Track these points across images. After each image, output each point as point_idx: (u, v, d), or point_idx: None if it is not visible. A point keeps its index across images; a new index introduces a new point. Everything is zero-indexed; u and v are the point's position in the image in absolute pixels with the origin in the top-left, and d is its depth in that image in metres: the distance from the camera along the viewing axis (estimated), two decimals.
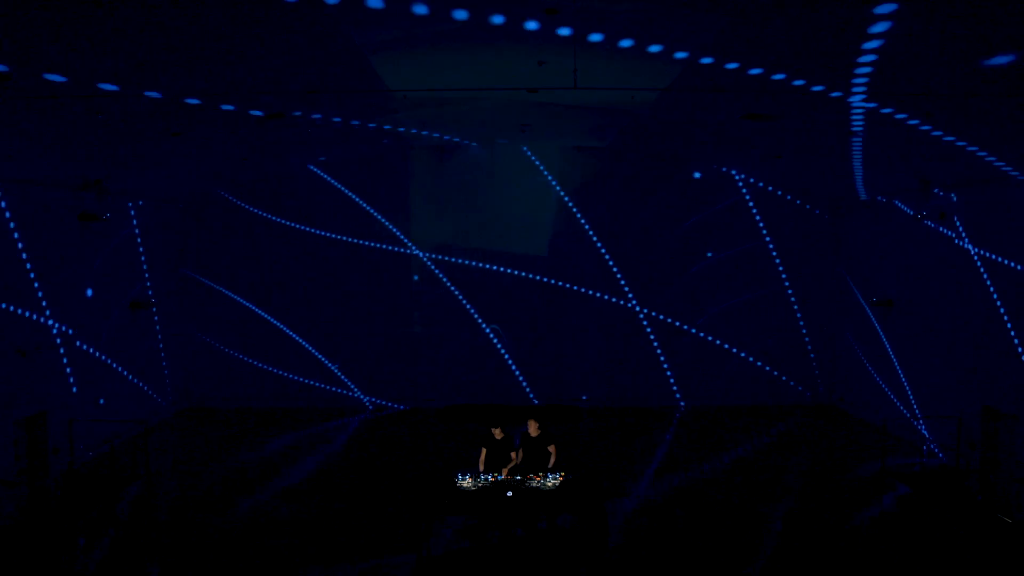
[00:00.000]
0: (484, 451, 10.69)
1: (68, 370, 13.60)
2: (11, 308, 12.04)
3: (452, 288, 18.56)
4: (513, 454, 10.66)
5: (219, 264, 18.62)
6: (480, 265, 18.59)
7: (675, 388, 18.85)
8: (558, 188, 18.49)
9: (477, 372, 18.66)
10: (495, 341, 18.55)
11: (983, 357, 12.62)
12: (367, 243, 18.55)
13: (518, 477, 10.18)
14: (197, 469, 14.02)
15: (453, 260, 18.63)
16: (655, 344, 18.73)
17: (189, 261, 18.52)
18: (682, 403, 18.84)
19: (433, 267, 18.57)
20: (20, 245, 12.30)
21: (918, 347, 14.83)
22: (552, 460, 10.54)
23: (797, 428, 16.88)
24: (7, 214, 11.98)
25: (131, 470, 13.47)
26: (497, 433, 10.72)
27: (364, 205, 18.51)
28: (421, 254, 18.49)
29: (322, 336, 18.76)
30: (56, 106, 9.29)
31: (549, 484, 9.97)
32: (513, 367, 18.79)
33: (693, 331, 18.71)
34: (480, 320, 18.56)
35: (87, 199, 13.94)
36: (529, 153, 18.43)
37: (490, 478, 10.11)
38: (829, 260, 18.56)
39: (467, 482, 10.00)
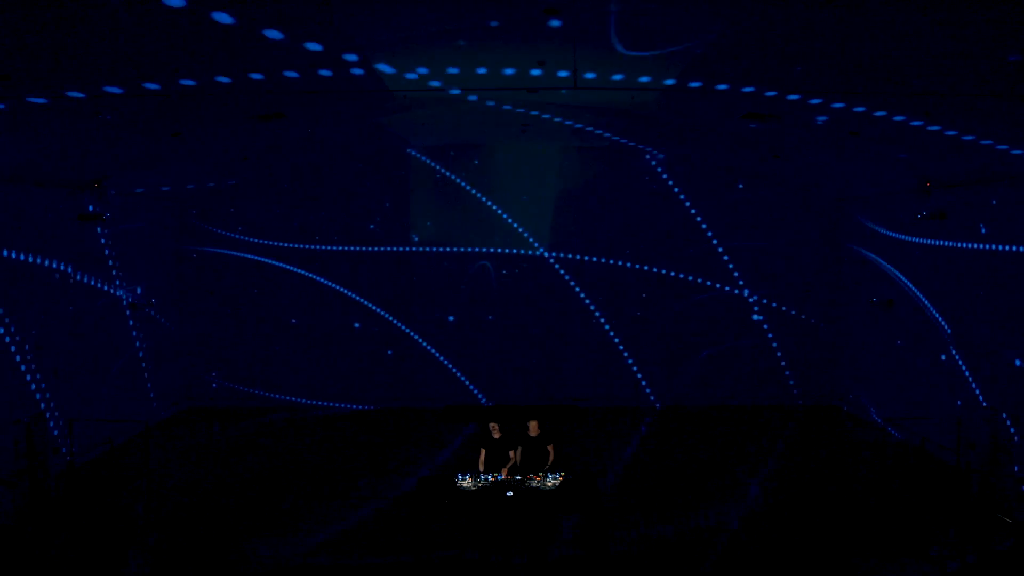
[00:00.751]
0: (483, 452, 10.69)
1: (68, 370, 13.58)
2: (12, 307, 12.04)
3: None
4: (512, 453, 10.67)
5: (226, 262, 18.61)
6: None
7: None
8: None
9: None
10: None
11: (983, 357, 12.62)
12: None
13: (518, 477, 10.19)
14: (197, 469, 14.03)
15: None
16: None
17: (189, 258, 18.52)
18: (661, 405, 18.85)
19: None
20: (18, 245, 12.30)
21: (918, 347, 14.82)
22: (551, 458, 10.55)
23: (796, 429, 16.87)
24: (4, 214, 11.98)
25: (132, 470, 13.50)
26: (495, 432, 10.72)
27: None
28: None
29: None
30: (56, 106, 9.29)
31: (549, 484, 9.98)
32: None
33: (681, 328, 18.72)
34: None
35: (87, 199, 13.94)
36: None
37: (490, 478, 10.11)
38: (830, 259, 18.54)
39: (467, 482, 10.01)
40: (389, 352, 18.63)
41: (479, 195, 18.43)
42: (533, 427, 10.65)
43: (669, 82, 10.06)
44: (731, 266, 18.50)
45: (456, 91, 11.07)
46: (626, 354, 18.75)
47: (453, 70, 9.82)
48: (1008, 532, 10.79)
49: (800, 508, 11.79)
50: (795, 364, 18.74)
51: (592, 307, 18.62)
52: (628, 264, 18.57)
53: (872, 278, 16.60)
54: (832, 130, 12.03)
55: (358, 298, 18.55)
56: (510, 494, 9.80)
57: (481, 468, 10.57)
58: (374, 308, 18.60)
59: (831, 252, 18.45)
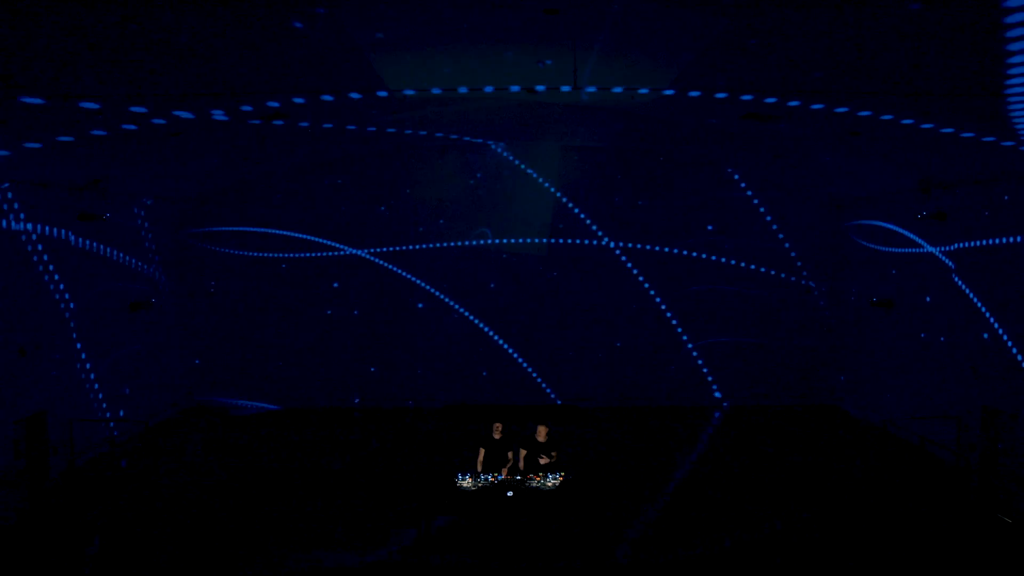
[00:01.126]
0: (482, 451, 10.67)
1: (68, 370, 13.59)
2: (12, 307, 12.04)
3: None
4: (510, 454, 10.65)
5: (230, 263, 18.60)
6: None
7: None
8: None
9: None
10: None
11: (983, 357, 12.61)
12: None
13: (518, 477, 10.19)
14: (197, 468, 14.03)
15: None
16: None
17: (193, 258, 18.52)
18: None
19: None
20: (20, 245, 12.31)
21: (918, 347, 14.82)
22: (553, 458, 10.52)
23: (796, 429, 16.86)
24: (11, 214, 11.99)
25: (132, 470, 13.51)
26: (496, 433, 10.71)
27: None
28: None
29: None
30: (56, 106, 9.29)
31: (549, 484, 9.98)
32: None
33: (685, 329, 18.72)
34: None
35: (87, 199, 13.95)
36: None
37: (490, 478, 10.11)
38: (830, 258, 18.53)
39: (467, 482, 10.02)
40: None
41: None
42: (542, 433, 10.59)
43: (668, 92, 10.14)
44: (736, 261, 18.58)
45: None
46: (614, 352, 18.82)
47: (463, 89, 10.25)
48: (1008, 532, 10.79)
49: (802, 512, 11.80)
50: (794, 363, 18.74)
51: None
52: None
53: (873, 278, 16.61)
54: (838, 130, 12.06)
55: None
56: (510, 494, 9.81)
57: (479, 468, 10.55)
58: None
59: (832, 252, 18.47)
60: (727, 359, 18.75)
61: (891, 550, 10.11)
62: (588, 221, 18.52)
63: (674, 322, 18.67)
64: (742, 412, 18.15)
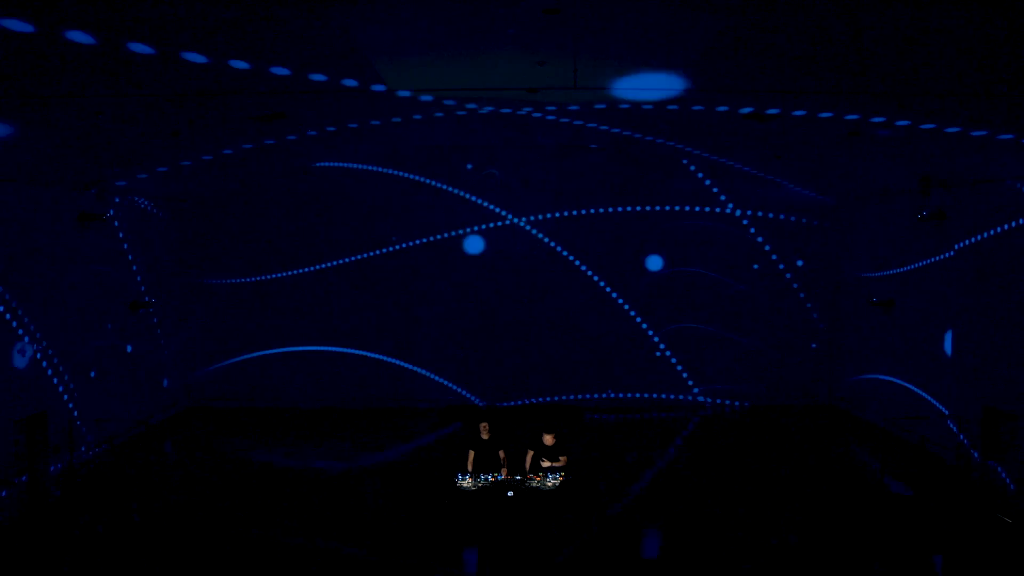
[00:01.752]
0: (472, 453, 10.58)
1: (68, 370, 13.57)
2: (11, 307, 12.03)
3: None
4: (501, 453, 10.59)
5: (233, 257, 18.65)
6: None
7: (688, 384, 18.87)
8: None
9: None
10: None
11: (983, 357, 12.61)
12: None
13: (518, 477, 10.19)
14: (198, 468, 14.03)
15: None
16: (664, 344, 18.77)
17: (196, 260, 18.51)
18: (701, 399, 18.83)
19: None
20: (20, 244, 12.29)
21: (918, 347, 14.82)
22: (561, 463, 10.47)
23: (795, 429, 16.86)
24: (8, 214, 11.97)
25: (132, 470, 13.50)
26: (484, 433, 10.62)
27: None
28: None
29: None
30: (54, 105, 9.28)
31: (549, 484, 9.99)
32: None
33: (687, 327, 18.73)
34: None
35: (87, 198, 13.93)
36: None
37: (490, 478, 10.11)
38: (830, 258, 18.53)
39: (467, 482, 10.02)
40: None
41: None
42: (548, 439, 10.53)
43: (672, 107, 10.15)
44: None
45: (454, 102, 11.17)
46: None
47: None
48: (1008, 532, 10.80)
49: (801, 510, 11.80)
50: (793, 363, 18.73)
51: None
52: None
53: (872, 276, 16.62)
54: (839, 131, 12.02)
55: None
56: (511, 494, 9.82)
57: (469, 468, 10.47)
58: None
59: (831, 249, 18.49)
60: (718, 354, 18.76)
61: (891, 550, 10.12)
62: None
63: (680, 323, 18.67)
64: (739, 413, 18.12)
